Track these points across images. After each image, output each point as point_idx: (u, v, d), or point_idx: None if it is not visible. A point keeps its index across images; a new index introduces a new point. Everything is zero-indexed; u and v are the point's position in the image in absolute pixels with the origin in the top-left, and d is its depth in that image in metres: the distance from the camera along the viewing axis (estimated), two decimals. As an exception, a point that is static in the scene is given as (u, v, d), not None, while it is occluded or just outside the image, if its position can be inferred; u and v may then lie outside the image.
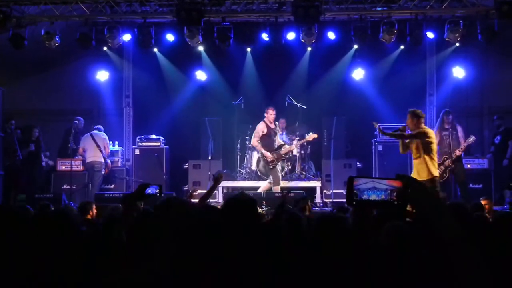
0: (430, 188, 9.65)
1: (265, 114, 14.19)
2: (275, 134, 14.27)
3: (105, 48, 15.66)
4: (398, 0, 13.79)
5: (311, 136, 14.24)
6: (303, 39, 14.16)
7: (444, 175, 13.46)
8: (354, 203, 2.70)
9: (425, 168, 10.57)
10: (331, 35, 14.95)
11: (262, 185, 14.05)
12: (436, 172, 10.71)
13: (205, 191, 14.24)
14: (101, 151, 14.91)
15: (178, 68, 17.16)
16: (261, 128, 14.10)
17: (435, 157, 10.79)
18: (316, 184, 14.94)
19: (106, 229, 4.97)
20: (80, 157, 15.21)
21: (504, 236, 4.25)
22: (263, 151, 13.97)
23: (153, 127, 16.79)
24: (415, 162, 10.79)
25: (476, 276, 2.42)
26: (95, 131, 15.19)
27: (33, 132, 15.71)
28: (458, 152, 13.27)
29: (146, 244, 4.00)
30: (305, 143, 15.31)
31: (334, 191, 14.35)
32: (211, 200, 14.16)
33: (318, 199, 14.82)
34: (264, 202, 13.13)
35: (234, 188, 15.08)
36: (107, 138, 15.25)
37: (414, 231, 4.31)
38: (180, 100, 17.24)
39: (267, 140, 13.99)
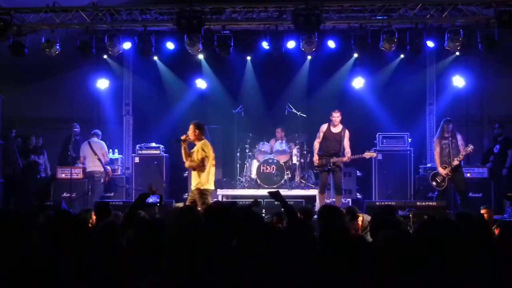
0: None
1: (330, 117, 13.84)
2: (337, 138, 13.66)
3: (105, 56, 15.70)
4: (398, 9, 13.80)
5: (368, 154, 13.75)
6: (303, 47, 14.15)
7: (443, 184, 13.47)
8: None
9: (197, 177, 11.12)
10: (331, 44, 14.95)
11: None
12: (207, 186, 11.14)
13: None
14: (99, 159, 14.91)
15: (178, 76, 17.19)
16: (321, 129, 13.82)
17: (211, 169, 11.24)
18: (316, 192, 14.86)
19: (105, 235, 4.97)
20: (81, 165, 15.22)
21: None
22: (315, 153, 13.80)
23: (153, 135, 16.78)
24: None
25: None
26: (94, 139, 15.18)
27: (30, 141, 15.73)
28: (456, 162, 13.26)
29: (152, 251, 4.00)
30: (305, 152, 15.33)
31: (333, 199, 14.29)
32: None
33: (317, 208, 14.77)
34: (263, 210, 13.13)
35: (233, 196, 15.06)
36: (105, 146, 15.23)
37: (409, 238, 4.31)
38: (180, 108, 17.23)
39: (324, 143, 13.70)
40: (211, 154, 11.22)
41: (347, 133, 13.57)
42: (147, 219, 6.94)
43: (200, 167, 11.07)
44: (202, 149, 11.09)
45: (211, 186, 11.23)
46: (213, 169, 11.32)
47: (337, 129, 13.61)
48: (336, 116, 13.61)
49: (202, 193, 11.02)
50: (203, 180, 11.07)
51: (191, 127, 11.18)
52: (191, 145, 11.40)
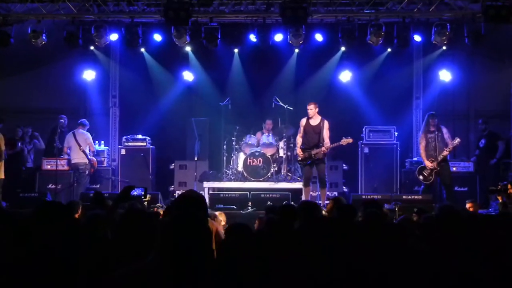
0: None
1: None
2: (316, 130, 13.48)
3: (92, 48, 15.62)
4: (386, 2, 13.82)
5: (345, 141, 13.56)
6: (290, 40, 14.16)
7: (430, 177, 13.50)
8: None
9: None
10: (318, 37, 14.96)
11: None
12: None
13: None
14: (83, 151, 14.80)
15: (165, 68, 17.11)
16: (300, 123, 13.69)
17: None
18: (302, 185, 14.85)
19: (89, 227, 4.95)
20: (66, 156, 15.14)
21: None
22: (297, 147, 13.71)
23: (140, 127, 16.73)
24: None
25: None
26: (80, 130, 15.04)
27: (17, 132, 15.65)
28: (445, 153, 13.30)
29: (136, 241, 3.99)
30: (292, 145, 15.29)
31: (319, 193, 14.29)
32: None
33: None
34: (249, 203, 13.12)
35: (220, 189, 15.03)
36: (90, 137, 15.08)
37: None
38: (167, 101, 17.18)
39: (305, 137, 13.53)
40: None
41: (326, 124, 13.47)
42: (134, 208, 6.91)
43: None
44: None
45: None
46: None
47: (315, 121, 13.52)
48: (310, 108, 13.48)
49: None
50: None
51: None
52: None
